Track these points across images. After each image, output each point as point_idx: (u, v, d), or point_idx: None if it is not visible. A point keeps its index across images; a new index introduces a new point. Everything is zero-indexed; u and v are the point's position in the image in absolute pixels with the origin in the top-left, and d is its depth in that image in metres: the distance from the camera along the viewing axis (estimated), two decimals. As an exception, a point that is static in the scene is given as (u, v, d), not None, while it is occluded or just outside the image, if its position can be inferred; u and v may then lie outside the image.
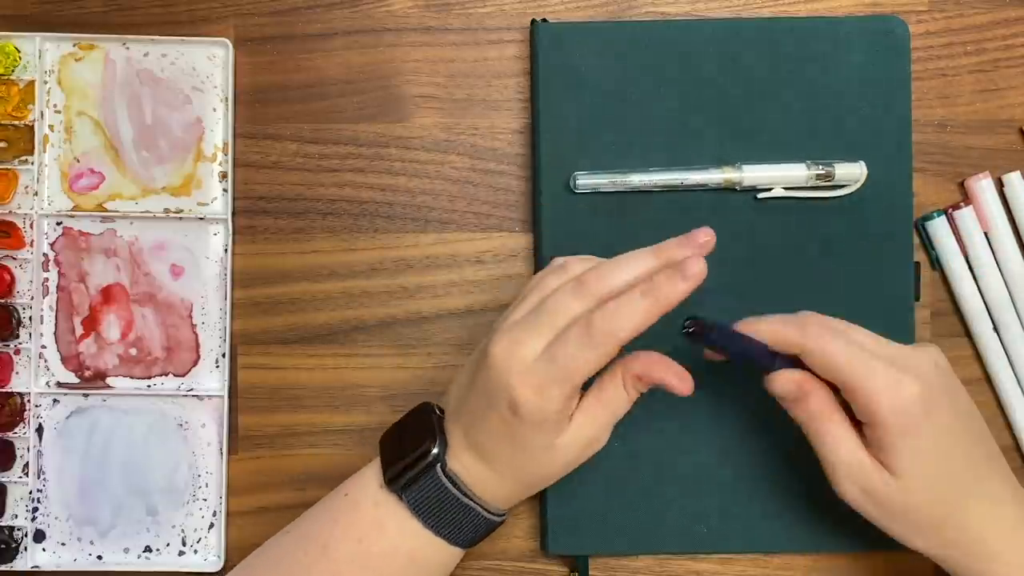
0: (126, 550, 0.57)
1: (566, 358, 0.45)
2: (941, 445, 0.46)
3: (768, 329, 0.47)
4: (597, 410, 0.48)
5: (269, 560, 0.50)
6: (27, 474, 0.57)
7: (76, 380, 0.57)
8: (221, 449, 0.57)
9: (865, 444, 0.47)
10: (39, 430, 0.57)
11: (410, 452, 0.48)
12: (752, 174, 0.55)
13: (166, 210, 0.57)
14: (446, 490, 0.48)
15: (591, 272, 0.47)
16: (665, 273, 0.45)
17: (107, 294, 0.57)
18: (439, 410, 0.50)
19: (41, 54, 0.57)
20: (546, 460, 0.48)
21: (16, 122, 0.57)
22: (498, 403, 0.46)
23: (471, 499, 0.48)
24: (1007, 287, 0.57)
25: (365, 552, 0.49)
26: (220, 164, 0.57)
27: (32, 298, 0.57)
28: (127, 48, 0.58)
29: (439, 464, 0.48)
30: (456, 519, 0.48)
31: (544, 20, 0.56)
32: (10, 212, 0.57)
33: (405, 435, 0.50)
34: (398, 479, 0.48)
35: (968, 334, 0.57)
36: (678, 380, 0.47)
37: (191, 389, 0.57)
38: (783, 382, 0.47)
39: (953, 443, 0.47)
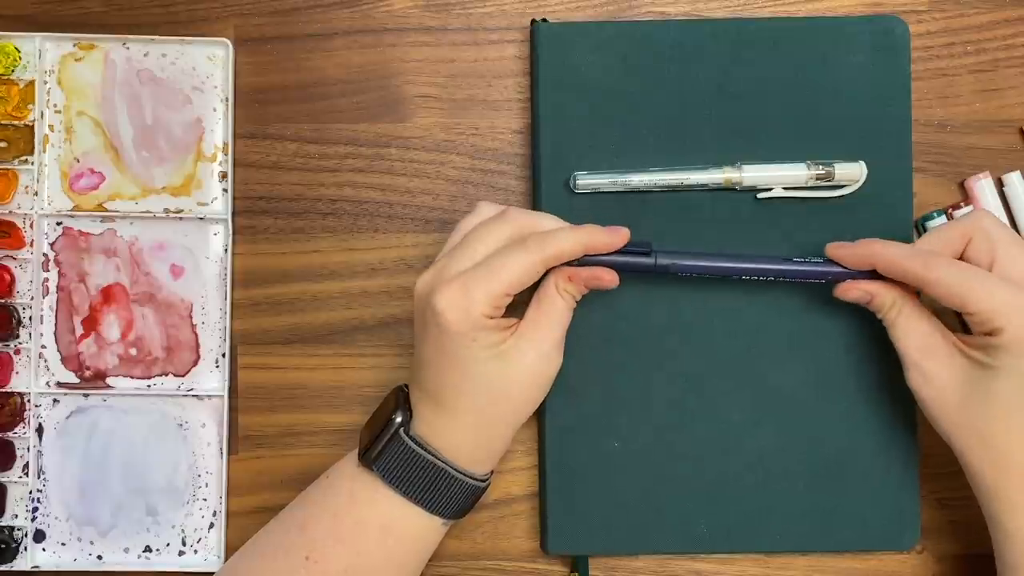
0: (126, 550, 0.57)
1: (493, 262, 0.47)
2: None
3: (892, 258, 0.49)
4: (539, 322, 0.49)
5: (255, 547, 0.52)
6: (27, 474, 0.57)
7: (76, 380, 0.57)
8: (221, 449, 0.57)
9: (947, 335, 0.49)
10: (39, 430, 0.57)
11: (378, 426, 0.50)
12: (752, 174, 0.55)
13: (166, 210, 0.57)
14: (412, 451, 0.49)
15: (513, 208, 0.50)
16: (596, 226, 0.50)
17: (107, 294, 0.57)
18: (406, 387, 0.52)
19: (41, 54, 0.57)
20: (494, 379, 0.48)
21: (16, 122, 0.57)
22: (429, 326, 0.48)
23: (438, 458, 0.49)
24: (1007, 287, 0.57)
25: (339, 525, 0.49)
26: (220, 164, 0.57)
27: (32, 298, 0.57)
28: (127, 48, 0.58)
29: (402, 428, 0.49)
30: (428, 482, 0.49)
31: (544, 20, 0.56)
32: (10, 212, 0.57)
33: (376, 414, 0.51)
34: (369, 452, 0.49)
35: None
36: (604, 273, 0.49)
37: (191, 389, 0.57)
38: (852, 292, 0.51)
39: None
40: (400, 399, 0.50)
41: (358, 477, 0.50)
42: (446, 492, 0.49)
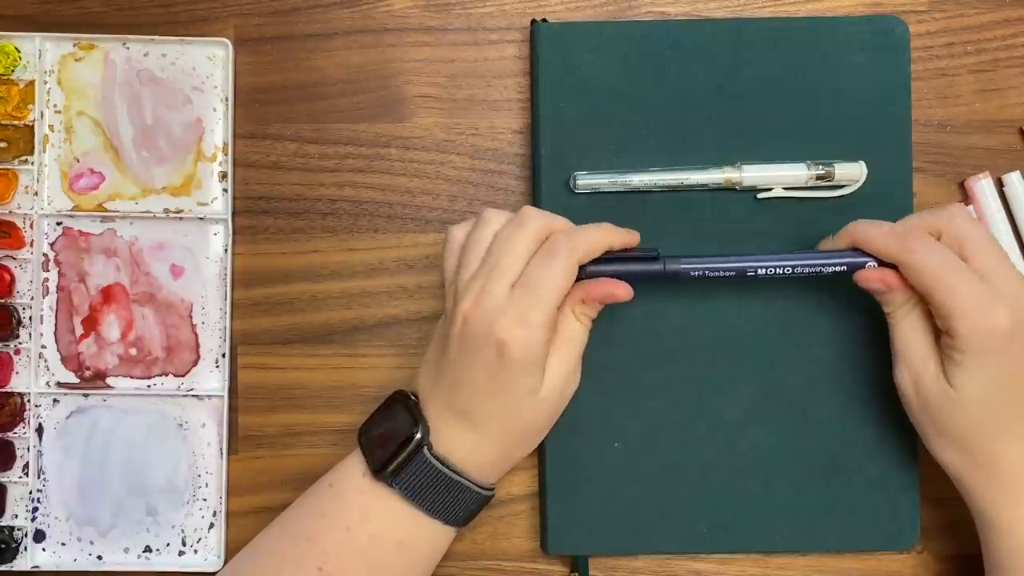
0: (126, 550, 0.57)
1: (536, 280, 0.47)
2: (1008, 380, 0.47)
3: (872, 237, 0.49)
4: (562, 346, 0.49)
5: (257, 557, 0.51)
6: (27, 474, 0.57)
7: (76, 380, 0.57)
8: (221, 449, 0.57)
9: (938, 346, 0.49)
10: (39, 430, 0.57)
11: (394, 440, 0.49)
12: (752, 174, 0.55)
13: (166, 210, 0.57)
14: (435, 470, 0.48)
15: (528, 209, 0.49)
16: (611, 224, 0.50)
17: (107, 294, 0.57)
18: (413, 396, 0.51)
19: (41, 54, 0.57)
20: (531, 406, 0.49)
21: (16, 122, 0.57)
22: (483, 354, 0.47)
23: (460, 475, 0.49)
24: (1007, 287, 0.57)
25: (353, 539, 0.49)
26: (220, 164, 0.57)
27: (32, 298, 0.57)
28: (127, 48, 0.58)
29: (425, 446, 0.48)
30: (447, 498, 0.49)
31: (544, 20, 0.56)
32: (10, 212, 0.57)
33: (385, 424, 0.50)
34: (385, 467, 0.49)
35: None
36: (618, 288, 0.49)
37: (191, 389, 0.57)
38: (870, 279, 0.50)
39: (1020, 383, 0.48)
40: (412, 410, 0.50)
41: (369, 492, 0.49)
42: (463, 504, 0.50)
